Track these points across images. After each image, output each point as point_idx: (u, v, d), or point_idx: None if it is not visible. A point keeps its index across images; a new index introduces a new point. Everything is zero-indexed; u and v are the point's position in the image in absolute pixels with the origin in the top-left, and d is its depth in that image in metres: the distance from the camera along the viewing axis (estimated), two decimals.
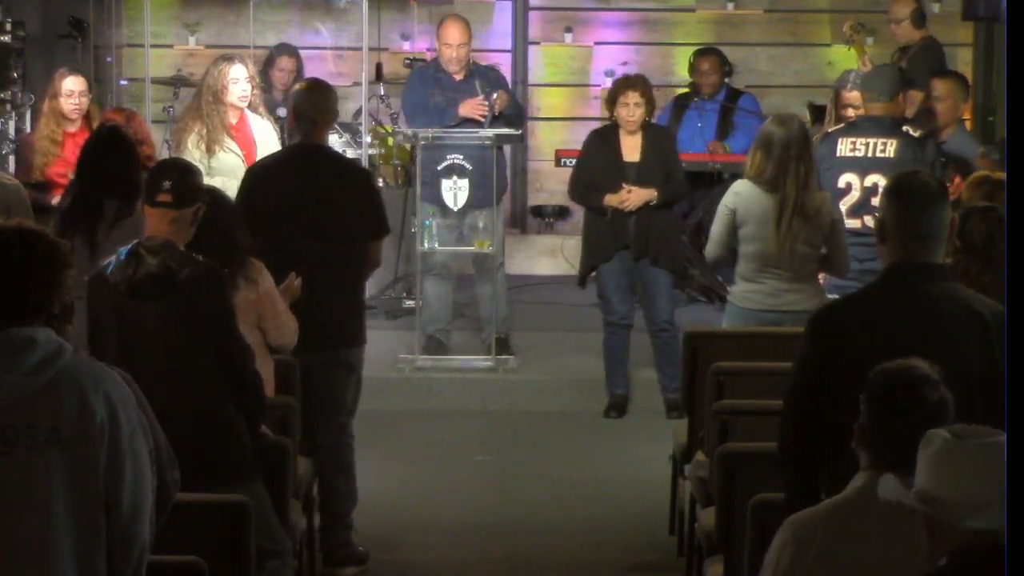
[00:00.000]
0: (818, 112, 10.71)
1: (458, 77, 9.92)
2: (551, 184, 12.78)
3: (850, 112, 8.89)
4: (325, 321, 6.45)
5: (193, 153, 8.57)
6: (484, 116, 9.68)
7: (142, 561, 3.85)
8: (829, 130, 8.73)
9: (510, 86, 10.90)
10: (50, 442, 3.72)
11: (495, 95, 9.74)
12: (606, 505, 7.85)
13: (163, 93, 11.41)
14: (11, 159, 10.17)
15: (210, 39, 12.79)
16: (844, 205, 8.07)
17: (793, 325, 7.08)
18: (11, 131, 10.43)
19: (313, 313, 6.36)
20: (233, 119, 8.74)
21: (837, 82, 9.59)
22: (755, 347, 6.88)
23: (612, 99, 9.11)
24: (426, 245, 9.67)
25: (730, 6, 13.01)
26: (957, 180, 8.06)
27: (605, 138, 9.20)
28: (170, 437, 5.22)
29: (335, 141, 10.82)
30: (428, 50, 12.25)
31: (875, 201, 7.89)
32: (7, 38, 10.83)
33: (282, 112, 9.42)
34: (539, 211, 12.83)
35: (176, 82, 11.35)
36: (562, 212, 12.78)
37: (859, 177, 8.12)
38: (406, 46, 12.57)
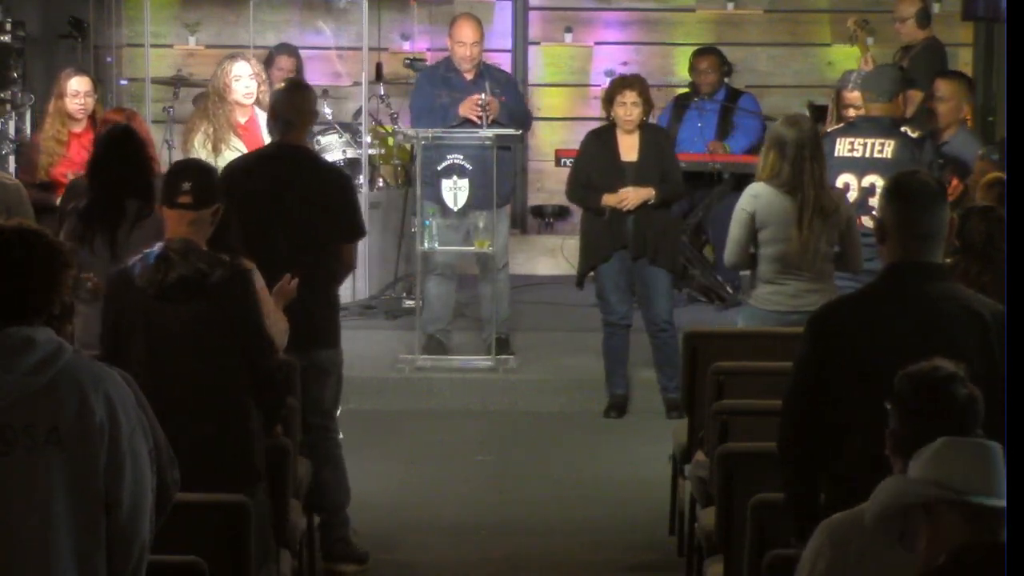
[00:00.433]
0: (818, 112, 10.71)
1: (469, 76, 9.89)
2: (551, 184, 12.77)
3: (851, 112, 8.90)
4: (297, 322, 6.39)
5: (199, 152, 8.57)
6: (480, 118, 9.65)
7: (142, 561, 3.85)
8: (828, 130, 8.74)
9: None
10: (50, 442, 3.72)
11: (488, 98, 9.68)
12: (606, 505, 7.85)
13: (163, 93, 11.41)
14: (11, 159, 10.17)
15: (210, 39, 12.79)
16: None
17: None
18: (11, 131, 10.43)
19: (285, 314, 6.33)
20: (241, 118, 8.71)
21: (839, 82, 9.59)
22: (755, 347, 6.88)
23: (609, 99, 9.11)
24: (426, 245, 9.67)
25: (730, 6, 13.01)
26: (955, 182, 8.06)
27: (602, 138, 9.20)
28: (192, 440, 5.28)
29: (335, 141, 10.83)
30: (428, 50, 12.26)
31: (872, 201, 7.90)
32: (7, 38, 10.83)
33: None
34: (539, 211, 12.84)
35: (176, 82, 11.35)
36: (562, 212, 12.78)
37: (857, 177, 8.13)
38: (406, 46, 12.57)
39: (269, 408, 5.59)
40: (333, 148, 10.82)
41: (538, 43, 13.03)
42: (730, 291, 10.86)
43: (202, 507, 4.85)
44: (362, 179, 10.76)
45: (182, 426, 5.36)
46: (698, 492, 6.38)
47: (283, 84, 7.25)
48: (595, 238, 9.14)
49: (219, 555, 4.70)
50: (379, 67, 11.48)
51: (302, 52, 11.45)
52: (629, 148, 9.08)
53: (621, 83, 9.14)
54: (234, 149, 8.49)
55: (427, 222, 9.65)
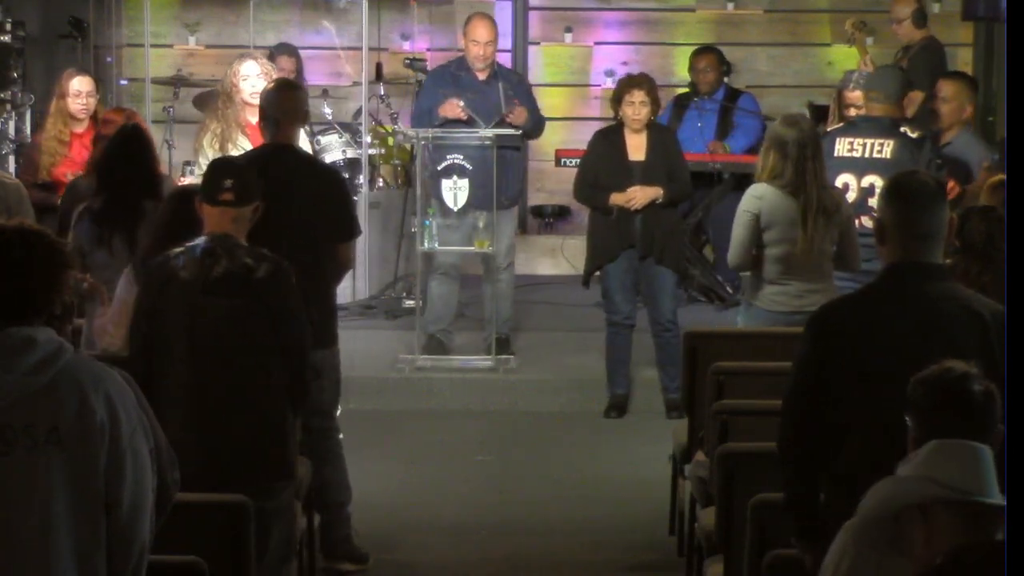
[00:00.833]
0: (818, 112, 10.72)
1: (481, 76, 9.86)
2: (551, 184, 12.78)
3: (852, 112, 8.90)
4: None
5: (207, 152, 8.56)
6: (468, 118, 9.64)
7: (142, 561, 3.86)
8: (828, 129, 8.73)
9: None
10: (50, 442, 3.72)
11: (513, 110, 9.66)
12: (606, 505, 7.85)
13: (163, 93, 11.41)
14: (11, 159, 10.18)
15: (210, 39, 12.80)
16: None
17: None
18: (11, 131, 10.43)
19: None
20: (252, 117, 8.67)
21: (840, 83, 9.59)
22: (755, 347, 6.88)
23: (617, 98, 9.11)
24: (426, 245, 9.67)
25: (730, 6, 13.01)
26: (951, 184, 8.05)
27: (610, 138, 9.20)
28: (230, 433, 5.34)
29: (335, 141, 10.84)
30: (428, 50, 12.27)
31: (872, 201, 7.90)
32: (7, 38, 10.82)
33: None
34: (539, 211, 12.84)
35: (176, 82, 11.35)
36: (562, 212, 12.79)
37: (856, 177, 8.13)
38: (406, 46, 12.57)
39: (293, 399, 5.66)
40: (333, 148, 10.82)
41: (538, 43, 13.04)
42: (730, 291, 10.86)
43: (202, 507, 4.86)
44: (362, 179, 10.76)
45: (221, 419, 5.42)
46: (698, 492, 6.38)
47: (271, 84, 7.24)
48: (602, 237, 9.13)
49: (219, 555, 4.70)
50: (379, 67, 11.49)
51: (302, 52, 11.46)
52: (637, 147, 9.08)
53: (629, 82, 9.14)
54: (240, 148, 8.42)
55: (427, 222, 9.65)
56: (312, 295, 6.54)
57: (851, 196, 8.08)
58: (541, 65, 13.05)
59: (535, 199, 12.85)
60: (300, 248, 6.47)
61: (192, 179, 9.45)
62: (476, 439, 8.98)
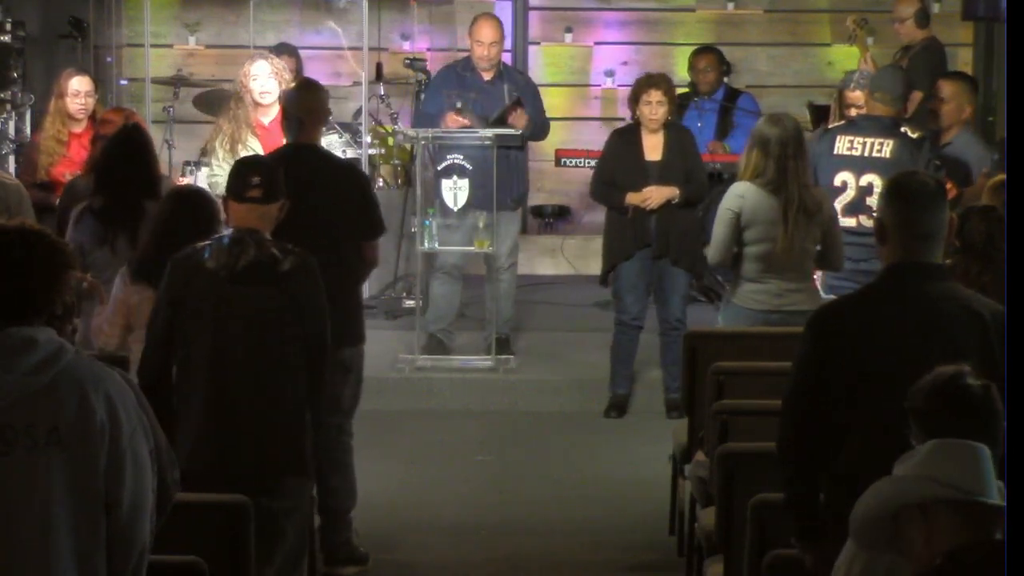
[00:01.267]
0: (819, 112, 10.71)
1: (487, 76, 9.86)
2: (551, 184, 12.78)
3: (853, 112, 8.89)
4: None
5: (219, 152, 8.57)
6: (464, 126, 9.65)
7: (142, 561, 3.85)
8: (829, 126, 8.73)
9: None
10: (50, 442, 3.72)
11: (516, 112, 9.66)
12: (606, 505, 7.85)
13: (163, 93, 11.41)
14: (11, 159, 10.17)
15: (210, 39, 12.80)
16: (839, 204, 8.07)
17: (793, 326, 7.11)
18: (11, 131, 10.43)
19: None
20: (264, 118, 8.65)
21: (841, 82, 9.59)
22: (755, 347, 6.88)
23: (634, 97, 9.11)
24: (426, 245, 9.67)
25: (730, 6, 13.01)
26: (949, 185, 8.04)
27: (627, 137, 9.19)
28: (250, 424, 5.37)
29: (335, 141, 10.83)
30: (428, 50, 12.26)
31: (870, 200, 7.91)
32: (7, 38, 10.82)
33: None
34: (539, 211, 12.84)
35: (176, 82, 11.34)
36: (562, 212, 12.79)
37: (855, 176, 8.12)
38: (406, 46, 12.57)
39: (315, 399, 5.71)
40: (333, 148, 10.77)
41: (538, 43, 13.03)
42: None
43: (202, 507, 4.86)
44: None
45: (243, 409, 5.44)
46: (698, 492, 6.38)
47: (293, 84, 7.25)
48: (618, 236, 9.13)
49: (219, 555, 4.71)
50: (379, 67, 11.49)
51: (302, 52, 11.45)
52: (653, 147, 9.08)
53: (647, 82, 9.12)
54: (250, 149, 8.41)
55: (427, 222, 9.65)
56: (338, 294, 6.57)
57: (850, 194, 8.09)
58: (541, 65, 13.04)
59: (535, 199, 12.84)
60: (325, 247, 6.49)
61: (191, 179, 9.46)
62: (476, 439, 8.98)
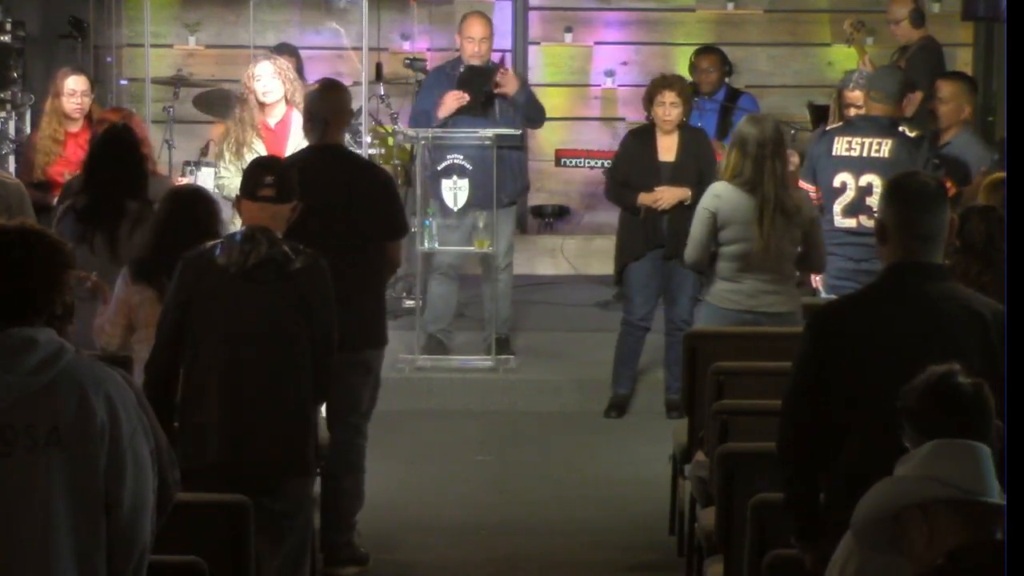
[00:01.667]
0: (818, 112, 10.71)
1: None
2: (551, 184, 12.78)
3: (852, 112, 8.89)
4: (348, 321, 6.41)
5: (225, 155, 8.56)
6: (464, 103, 9.61)
7: (142, 561, 3.85)
8: (828, 127, 8.73)
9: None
10: (50, 442, 3.72)
11: (504, 73, 9.64)
12: (606, 505, 7.85)
13: (163, 93, 11.40)
14: (11, 159, 10.17)
15: (210, 39, 12.80)
16: (839, 204, 8.08)
17: (771, 327, 7.16)
18: (11, 131, 10.43)
19: None
20: (271, 119, 8.63)
21: (840, 83, 9.59)
22: (755, 347, 6.88)
23: (648, 98, 9.12)
24: (426, 245, 9.67)
25: (730, 6, 13.01)
26: (948, 184, 8.04)
27: (641, 137, 9.20)
28: (258, 421, 5.40)
29: None
30: (428, 50, 12.26)
31: (869, 201, 7.91)
32: (7, 38, 10.82)
33: None
34: (539, 211, 12.83)
35: (176, 82, 11.34)
36: (562, 212, 12.78)
37: (854, 176, 8.12)
38: (406, 46, 12.57)
39: (320, 398, 5.76)
40: None
41: (538, 43, 13.03)
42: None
43: (202, 507, 4.86)
44: None
45: (253, 405, 5.46)
46: (698, 492, 6.38)
47: (317, 85, 7.25)
48: (630, 236, 9.14)
49: (219, 555, 4.71)
50: (379, 67, 11.48)
51: (302, 52, 11.45)
52: (667, 148, 9.08)
53: (661, 83, 9.13)
54: (255, 152, 8.39)
55: (427, 222, 9.65)
56: (363, 295, 6.59)
57: (849, 195, 8.09)
58: (541, 65, 13.04)
59: (535, 199, 12.83)
60: (349, 247, 6.51)
61: (192, 179, 9.45)
62: (476, 439, 8.98)
